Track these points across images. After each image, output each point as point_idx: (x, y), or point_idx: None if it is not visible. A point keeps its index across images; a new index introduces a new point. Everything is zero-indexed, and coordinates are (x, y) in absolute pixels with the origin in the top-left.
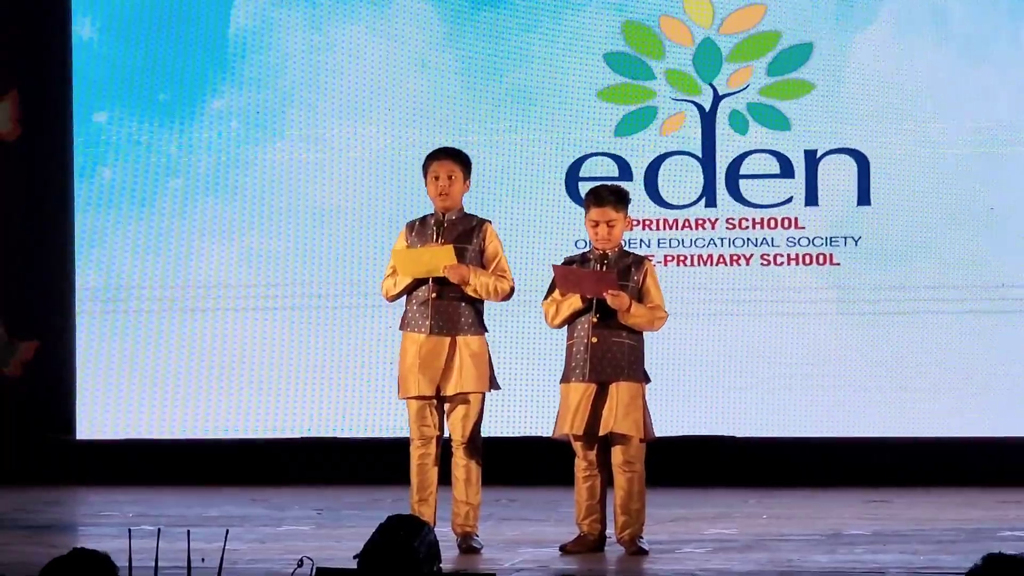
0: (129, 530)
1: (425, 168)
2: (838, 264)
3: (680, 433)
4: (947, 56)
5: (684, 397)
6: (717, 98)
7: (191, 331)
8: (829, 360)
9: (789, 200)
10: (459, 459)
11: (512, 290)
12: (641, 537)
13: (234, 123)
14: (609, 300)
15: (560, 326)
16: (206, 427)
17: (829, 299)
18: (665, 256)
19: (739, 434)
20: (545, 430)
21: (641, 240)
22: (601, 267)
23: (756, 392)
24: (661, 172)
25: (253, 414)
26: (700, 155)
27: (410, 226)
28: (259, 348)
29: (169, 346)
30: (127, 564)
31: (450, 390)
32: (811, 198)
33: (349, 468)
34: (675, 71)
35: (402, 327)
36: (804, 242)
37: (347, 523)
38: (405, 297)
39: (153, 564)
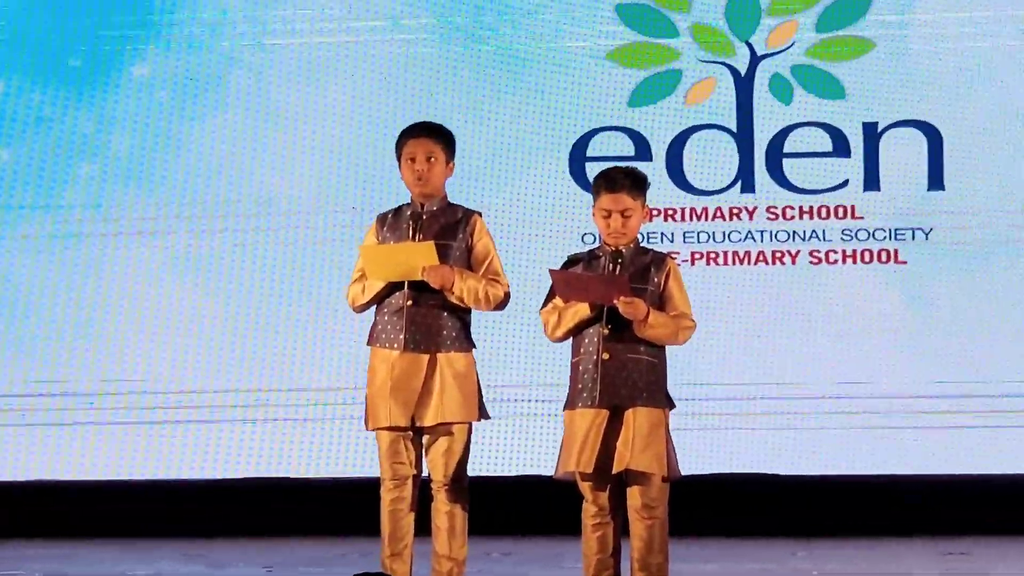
0: None
1: (399, 148)
2: (904, 262)
3: (711, 471)
4: None
5: (716, 426)
6: (755, 59)
7: (108, 349)
8: (894, 381)
9: (844, 184)
10: (441, 504)
11: (506, 296)
12: None
13: (161, 94)
14: (622, 308)
15: (563, 339)
16: (132, 467)
17: (894, 305)
18: (692, 253)
19: (784, 471)
20: (546, 467)
21: (662, 234)
22: (613, 268)
23: (804, 421)
24: (687, 150)
25: (189, 450)
26: (735, 129)
27: (381, 220)
28: (192, 369)
29: (83, 367)
30: None
31: (429, 420)
32: (871, 181)
33: (305, 515)
34: (703, 26)
35: (370, 342)
36: (863, 235)
37: None
38: (375, 307)
39: None
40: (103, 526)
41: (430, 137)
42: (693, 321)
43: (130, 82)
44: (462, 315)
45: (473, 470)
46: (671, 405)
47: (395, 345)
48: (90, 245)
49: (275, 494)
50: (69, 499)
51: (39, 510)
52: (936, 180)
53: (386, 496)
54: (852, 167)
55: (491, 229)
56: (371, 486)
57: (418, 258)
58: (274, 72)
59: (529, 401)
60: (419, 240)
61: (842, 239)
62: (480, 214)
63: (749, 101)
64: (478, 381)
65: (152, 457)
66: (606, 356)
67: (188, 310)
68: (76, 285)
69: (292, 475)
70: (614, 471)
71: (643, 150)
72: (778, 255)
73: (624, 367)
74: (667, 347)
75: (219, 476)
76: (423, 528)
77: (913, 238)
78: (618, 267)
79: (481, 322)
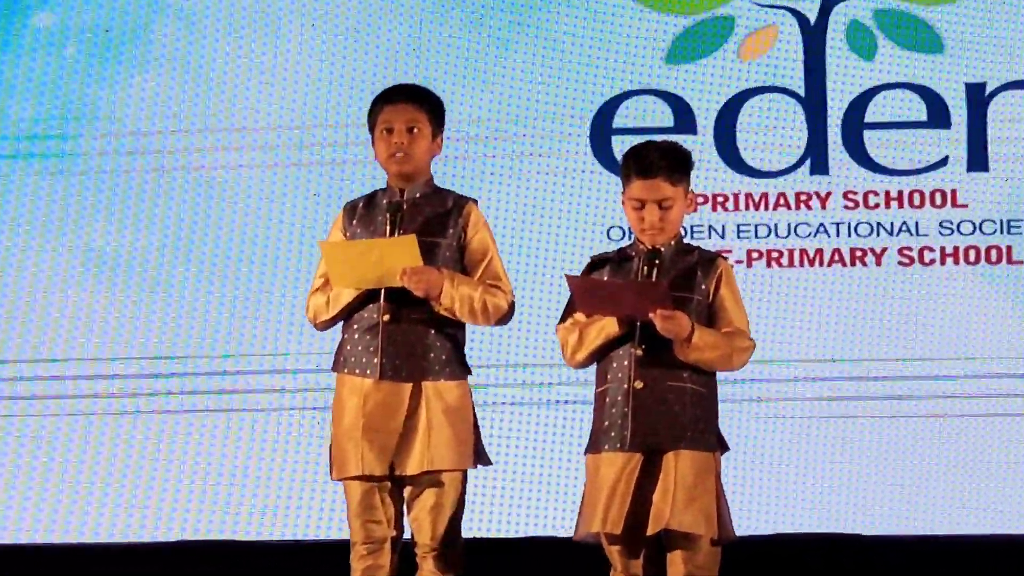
0: None
1: (372, 117)
2: (1020, 262)
3: (774, 530)
4: None
5: (780, 473)
6: (828, 1)
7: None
8: (1011, 419)
9: (943, 162)
10: (427, 573)
11: (511, 307)
12: None
13: (70, 49)
14: (659, 324)
15: (585, 364)
16: (51, 528)
17: (1007, 316)
18: (749, 252)
19: (867, 531)
20: (563, 527)
21: (711, 227)
22: (648, 272)
23: (894, 465)
24: (741, 120)
25: (110, 507)
26: (802, 93)
27: (350, 210)
28: (118, 401)
29: None
30: None
31: (412, 467)
32: (977, 159)
33: None
34: None
35: (337, 368)
36: (967, 228)
37: None
38: (343, 322)
39: None
40: None
41: (412, 103)
42: (751, 340)
43: (30, 35)
44: (454, 332)
45: (468, 530)
46: (723, 448)
47: (368, 371)
48: None
49: (214, 561)
50: None
51: None
52: None
53: (358, 564)
54: (953, 141)
55: (490, 222)
56: (339, 550)
57: (396, 257)
58: (211, 21)
59: (539, 442)
60: (399, 235)
61: (940, 233)
62: (476, 202)
63: (820, 56)
64: (475, 417)
65: (65, 514)
66: (639, 385)
67: (104, 322)
68: None
69: (237, 537)
70: (650, 532)
71: (686, 120)
72: (858, 254)
73: (663, 399)
74: (718, 373)
75: (142, 539)
76: None
77: None
78: (655, 271)
79: (478, 341)
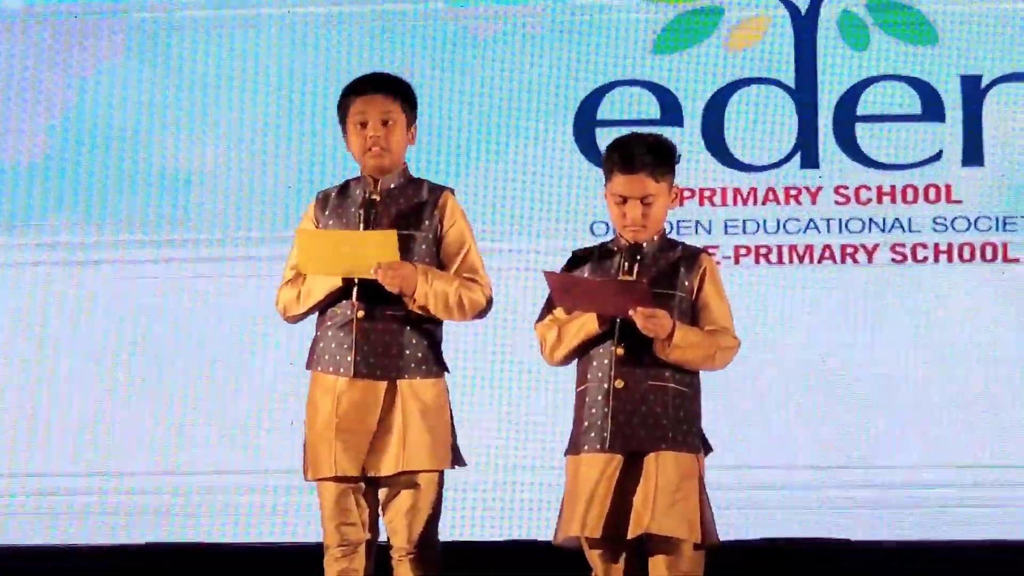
0: None
1: (343, 110)
2: (1015, 260)
3: (761, 534)
4: None
5: (767, 476)
6: None
7: None
8: (1007, 421)
9: (937, 156)
10: None
11: (488, 302)
12: None
13: (36, 33)
14: (640, 322)
15: (565, 363)
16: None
17: (1003, 317)
18: (736, 248)
19: (859, 536)
20: (543, 530)
21: (697, 223)
22: (629, 268)
23: (886, 470)
24: (729, 112)
25: (52, 507)
26: (792, 84)
27: (322, 200)
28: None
29: None
30: None
31: (387, 468)
32: (972, 153)
33: None
34: None
35: (310, 365)
36: (961, 224)
37: None
38: (316, 317)
39: None
40: None
41: (385, 94)
42: (736, 338)
43: None
44: (430, 329)
45: (446, 533)
46: (707, 449)
47: (342, 369)
48: None
49: (182, 565)
50: None
51: None
52: None
53: (332, 568)
54: (947, 135)
55: (469, 215)
56: (312, 554)
57: (373, 251)
58: (187, 11)
59: (517, 442)
60: (373, 227)
61: (934, 229)
62: (452, 191)
63: (812, 47)
64: (451, 416)
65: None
66: (619, 384)
67: (64, 326)
68: None
69: (204, 540)
70: (630, 536)
71: (672, 112)
72: (849, 251)
73: (644, 399)
74: (700, 371)
75: (107, 542)
76: None
77: None
78: (636, 267)
79: (456, 339)
